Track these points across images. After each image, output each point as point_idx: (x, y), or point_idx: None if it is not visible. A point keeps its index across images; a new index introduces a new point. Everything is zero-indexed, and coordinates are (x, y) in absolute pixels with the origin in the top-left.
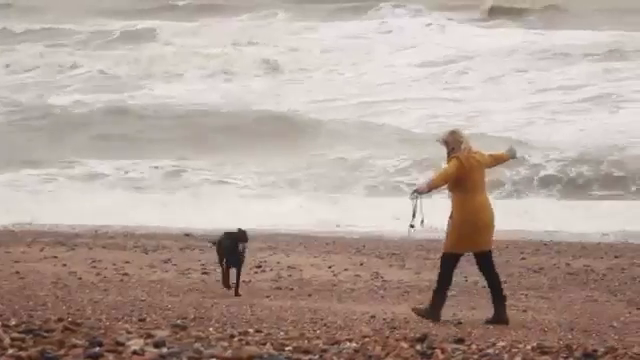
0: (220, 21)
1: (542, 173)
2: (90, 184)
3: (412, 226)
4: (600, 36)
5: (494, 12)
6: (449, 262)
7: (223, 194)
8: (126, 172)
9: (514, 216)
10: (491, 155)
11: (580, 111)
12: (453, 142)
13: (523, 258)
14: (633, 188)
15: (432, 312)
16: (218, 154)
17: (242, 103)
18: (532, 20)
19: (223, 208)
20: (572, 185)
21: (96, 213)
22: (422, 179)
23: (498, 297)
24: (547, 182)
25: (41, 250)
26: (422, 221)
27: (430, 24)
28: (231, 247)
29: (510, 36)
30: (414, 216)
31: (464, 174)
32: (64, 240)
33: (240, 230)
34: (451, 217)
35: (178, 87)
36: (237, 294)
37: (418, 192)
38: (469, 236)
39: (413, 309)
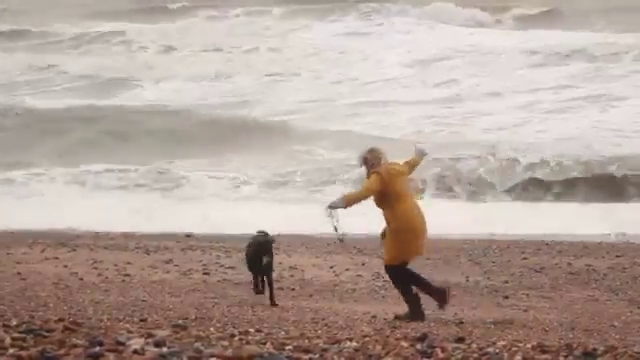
0: (214, 17)
1: (539, 174)
2: (75, 186)
3: (341, 240)
4: (595, 37)
5: (490, 11)
6: (396, 270)
7: (216, 195)
8: (108, 172)
9: (517, 219)
10: (406, 162)
11: (574, 109)
12: (372, 159)
13: (524, 258)
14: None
15: (414, 314)
16: (208, 155)
17: (229, 104)
18: (527, 20)
19: (217, 210)
20: (565, 187)
21: (77, 215)
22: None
23: (431, 289)
24: (543, 184)
25: (42, 251)
26: (341, 233)
27: (422, 24)
28: (254, 256)
29: (503, 36)
30: (337, 230)
31: (386, 186)
32: (65, 241)
33: (263, 237)
34: (384, 231)
35: (166, 88)
36: (273, 303)
37: (331, 207)
38: (411, 243)
39: (396, 316)
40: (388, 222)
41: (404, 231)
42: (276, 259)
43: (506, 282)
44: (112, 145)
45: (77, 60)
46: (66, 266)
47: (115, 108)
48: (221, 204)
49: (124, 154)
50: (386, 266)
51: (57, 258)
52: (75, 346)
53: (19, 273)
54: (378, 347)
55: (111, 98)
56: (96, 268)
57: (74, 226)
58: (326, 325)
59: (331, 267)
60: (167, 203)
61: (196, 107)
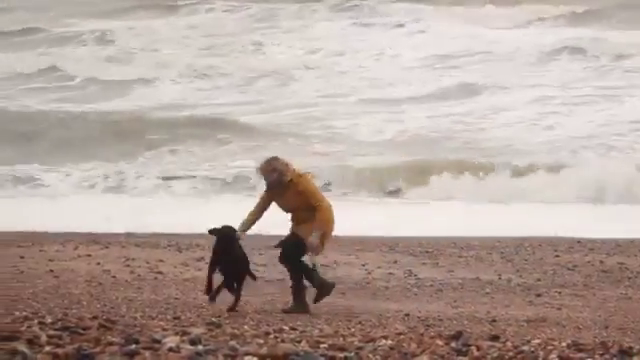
0: (227, 10)
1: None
2: (89, 187)
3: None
4: (613, 34)
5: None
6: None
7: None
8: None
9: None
10: None
11: (588, 104)
12: (281, 165)
13: (557, 256)
14: None
15: (300, 305)
16: (215, 152)
17: (239, 103)
18: (548, 18)
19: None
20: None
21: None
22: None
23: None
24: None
25: (75, 249)
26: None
27: (439, 21)
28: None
29: (520, 34)
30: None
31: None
32: (97, 239)
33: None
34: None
35: (176, 86)
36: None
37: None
38: (330, 232)
39: (283, 310)
40: (321, 216)
41: (328, 223)
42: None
43: (538, 280)
44: (120, 145)
45: (83, 59)
46: (99, 263)
47: (124, 108)
48: (237, 202)
49: (132, 154)
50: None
51: (90, 256)
52: (111, 344)
53: (52, 270)
54: (413, 345)
55: (117, 99)
56: (128, 266)
57: (101, 226)
58: (359, 323)
59: (363, 265)
60: (183, 201)
61: (205, 106)
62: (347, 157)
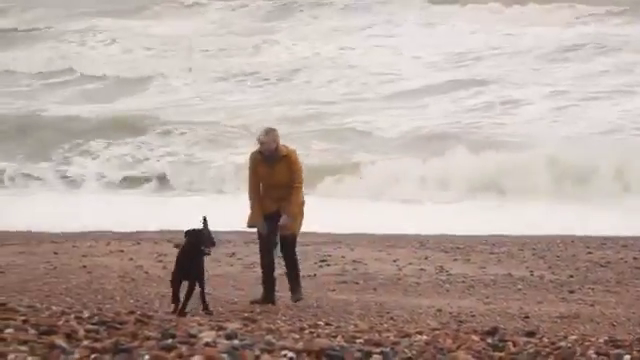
0: (236, 7)
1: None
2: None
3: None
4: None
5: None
6: None
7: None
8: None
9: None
10: None
11: (603, 100)
12: (278, 137)
13: (589, 252)
14: None
15: (299, 291)
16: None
17: (251, 100)
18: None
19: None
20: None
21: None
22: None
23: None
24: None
25: (107, 244)
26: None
27: (462, 18)
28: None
29: (543, 32)
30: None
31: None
32: (129, 235)
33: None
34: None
35: (186, 86)
36: (182, 313)
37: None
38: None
39: (252, 302)
40: (297, 199)
41: (303, 205)
42: (339, 252)
43: (571, 276)
44: (136, 143)
45: (95, 57)
46: (131, 259)
47: (138, 106)
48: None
49: (149, 151)
50: (295, 238)
51: (122, 251)
52: (148, 338)
53: (85, 266)
54: (449, 341)
55: (131, 97)
56: (161, 261)
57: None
58: (391, 319)
59: (394, 261)
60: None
61: (216, 102)
62: (351, 154)
